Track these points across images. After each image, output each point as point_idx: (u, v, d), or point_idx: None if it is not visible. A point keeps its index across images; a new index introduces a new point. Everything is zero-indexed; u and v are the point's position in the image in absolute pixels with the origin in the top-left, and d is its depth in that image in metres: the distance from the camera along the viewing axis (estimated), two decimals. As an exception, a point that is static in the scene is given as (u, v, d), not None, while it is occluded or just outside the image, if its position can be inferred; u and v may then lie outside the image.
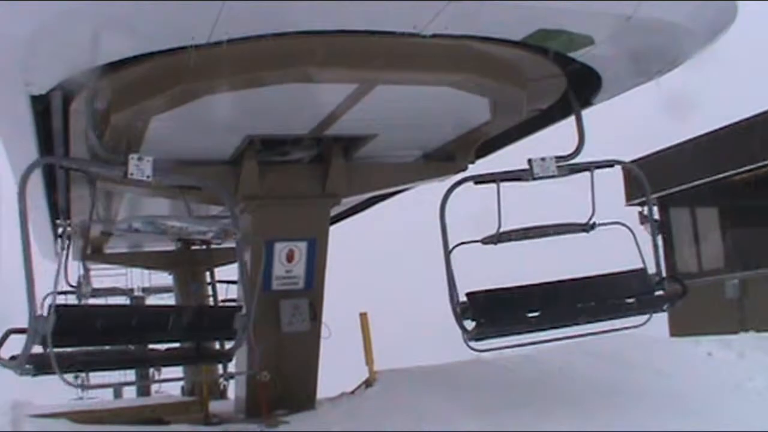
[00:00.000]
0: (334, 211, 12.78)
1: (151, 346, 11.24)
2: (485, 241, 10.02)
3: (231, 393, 17.67)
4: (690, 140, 21.73)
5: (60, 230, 16.36)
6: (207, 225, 11.37)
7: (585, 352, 12.54)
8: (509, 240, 10.08)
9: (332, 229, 12.38)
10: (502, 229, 9.84)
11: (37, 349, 8.47)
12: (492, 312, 9.73)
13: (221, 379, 19.46)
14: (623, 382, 11.43)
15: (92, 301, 19.57)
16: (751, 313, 19.09)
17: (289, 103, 9.07)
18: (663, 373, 11.97)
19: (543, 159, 9.78)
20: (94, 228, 15.26)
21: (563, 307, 9.97)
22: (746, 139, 19.97)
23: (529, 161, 9.78)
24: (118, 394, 26.21)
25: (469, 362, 12.66)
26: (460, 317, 9.54)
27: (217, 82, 8.31)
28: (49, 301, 8.46)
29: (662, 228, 11.05)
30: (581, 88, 9.93)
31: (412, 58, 8.17)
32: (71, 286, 17.56)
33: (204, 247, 18.38)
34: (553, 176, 9.85)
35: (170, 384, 24.32)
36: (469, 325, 9.54)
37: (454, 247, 9.75)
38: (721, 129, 20.73)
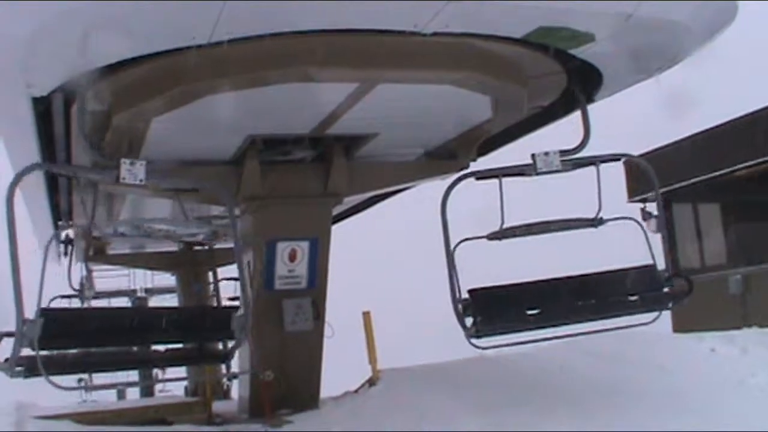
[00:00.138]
0: (336, 210, 12.77)
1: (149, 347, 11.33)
2: (490, 237, 9.94)
3: (234, 393, 17.71)
4: (692, 136, 21.71)
5: (62, 233, 16.46)
6: (197, 227, 11.40)
7: (587, 350, 12.52)
8: (514, 236, 9.95)
9: (334, 227, 12.38)
10: (506, 225, 9.80)
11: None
12: (493, 309, 9.69)
13: (224, 379, 19.48)
14: (625, 380, 11.41)
15: (95, 302, 19.74)
16: (754, 308, 19.05)
17: (290, 102, 9.07)
18: (665, 369, 11.95)
19: (546, 153, 9.71)
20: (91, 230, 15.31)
21: (565, 305, 9.92)
22: (749, 134, 19.94)
23: (533, 156, 9.70)
24: (121, 395, 26.22)
25: (471, 360, 12.65)
26: (461, 314, 9.53)
27: (217, 82, 8.33)
28: (56, 303, 8.57)
29: (665, 224, 10.94)
30: (582, 85, 9.93)
31: (412, 57, 8.17)
32: (74, 289, 17.67)
33: (206, 247, 18.40)
34: (557, 171, 9.77)
35: (174, 384, 24.41)
36: (471, 322, 9.53)
37: (458, 244, 9.72)
38: (723, 124, 20.69)
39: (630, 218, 10.51)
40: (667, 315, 10.55)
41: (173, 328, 9.90)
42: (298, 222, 11.53)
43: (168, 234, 11.68)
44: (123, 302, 24.92)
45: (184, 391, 21.23)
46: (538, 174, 9.78)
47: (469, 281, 9.67)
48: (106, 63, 7.72)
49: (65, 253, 17.69)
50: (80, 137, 8.93)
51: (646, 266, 10.14)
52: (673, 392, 10.71)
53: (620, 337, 11.11)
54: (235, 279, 17.88)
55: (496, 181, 9.77)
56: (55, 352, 9.81)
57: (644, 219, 10.72)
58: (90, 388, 23.05)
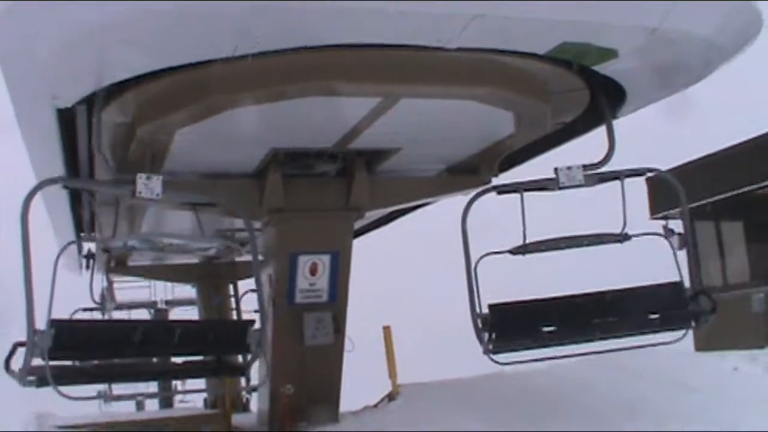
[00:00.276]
0: (358, 225, 12.77)
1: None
2: (513, 251, 9.86)
3: (254, 406, 17.71)
4: (713, 153, 21.61)
5: (85, 247, 16.53)
6: (208, 241, 11.41)
7: (609, 367, 12.44)
8: (537, 251, 9.88)
9: (355, 242, 12.37)
10: (532, 240, 9.72)
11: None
12: (511, 326, 9.62)
13: (244, 392, 19.49)
14: (647, 398, 11.33)
15: (116, 314, 19.79)
16: (778, 327, 18.92)
17: (313, 116, 9.08)
18: (688, 387, 11.85)
19: (569, 168, 9.62)
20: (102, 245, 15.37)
21: (585, 323, 9.82)
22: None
23: (555, 170, 9.64)
24: (140, 407, 26.28)
25: (491, 376, 12.60)
26: (480, 329, 9.47)
27: (241, 95, 8.34)
28: (78, 316, 8.70)
29: (686, 241, 10.81)
30: (607, 99, 9.86)
31: (436, 72, 8.16)
32: (95, 302, 17.75)
33: (227, 260, 18.40)
34: (580, 185, 9.66)
35: (193, 395, 24.43)
36: (488, 337, 9.47)
37: (480, 258, 9.67)
38: (745, 142, 20.60)
39: (657, 233, 10.41)
40: (689, 333, 10.42)
41: (185, 341, 9.96)
42: (319, 235, 11.53)
43: (178, 248, 11.70)
44: (143, 314, 24.89)
45: (203, 403, 21.25)
46: (560, 188, 9.68)
47: (494, 294, 9.61)
48: (130, 76, 7.76)
49: (87, 267, 17.78)
50: (97, 151, 8.96)
51: (671, 283, 10.03)
52: (696, 410, 10.61)
53: (642, 354, 11.03)
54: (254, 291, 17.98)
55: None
56: (72, 362, 9.90)
57: (666, 237, 10.54)
58: (108, 398, 23.23)
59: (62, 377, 9.19)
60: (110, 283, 19.04)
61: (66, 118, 8.63)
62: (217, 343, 10.55)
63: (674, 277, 10.13)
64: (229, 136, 9.37)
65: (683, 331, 10.12)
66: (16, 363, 9.03)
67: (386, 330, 13.18)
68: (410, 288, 44.64)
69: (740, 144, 20.79)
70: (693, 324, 10.13)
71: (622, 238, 9.87)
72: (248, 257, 12.24)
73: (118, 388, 23.70)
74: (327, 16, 6.96)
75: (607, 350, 10.04)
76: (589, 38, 8.08)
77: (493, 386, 12.51)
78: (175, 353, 11.81)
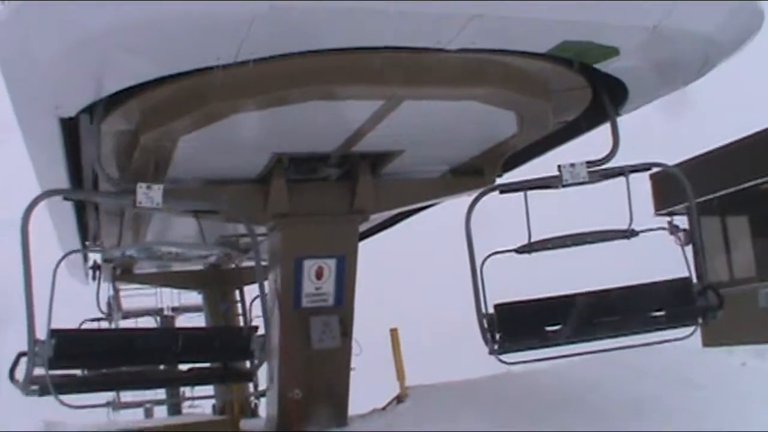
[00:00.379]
0: (363, 227, 12.77)
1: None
2: (519, 250, 9.84)
3: (262, 411, 17.72)
4: (718, 148, 21.60)
5: (91, 258, 16.59)
6: (207, 249, 11.42)
7: (616, 365, 12.42)
8: (544, 249, 9.84)
9: (360, 245, 12.36)
10: (539, 237, 9.70)
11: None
12: (516, 325, 9.61)
13: (252, 398, 19.51)
14: (655, 395, 11.30)
15: (123, 324, 19.85)
16: (786, 322, 18.90)
17: (315, 120, 9.10)
18: (696, 384, 11.82)
19: (573, 165, 9.58)
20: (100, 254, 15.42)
21: (590, 321, 9.79)
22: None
23: (559, 167, 9.60)
24: (148, 414, 26.33)
25: (498, 376, 12.61)
26: (486, 330, 9.46)
27: (243, 101, 8.35)
28: (86, 326, 8.79)
29: (692, 237, 10.76)
30: (609, 95, 9.84)
31: (437, 73, 8.17)
32: (102, 312, 17.82)
33: (233, 266, 18.46)
34: (584, 183, 9.61)
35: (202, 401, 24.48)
36: (496, 337, 9.46)
37: (487, 257, 9.67)
38: (749, 136, 20.59)
39: (664, 228, 10.38)
40: (697, 329, 10.40)
41: (188, 349, 10.00)
42: (324, 239, 11.53)
43: (178, 257, 11.72)
44: (150, 322, 24.93)
45: (212, 409, 21.28)
46: (564, 186, 9.64)
47: (501, 293, 9.60)
48: (133, 83, 7.78)
49: (93, 278, 17.85)
50: (96, 163, 8.97)
51: (679, 279, 10.01)
52: (704, 407, 10.59)
53: (649, 351, 11.02)
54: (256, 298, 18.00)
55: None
56: (81, 371, 9.95)
57: (671, 233, 10.50)
58: (116, 406, 23.27)
59: (66, 386, 9.26)
60: (116, 291, 19.10)
61: (69, 127, 8.64)
62: (220, 350, 10.58)
63: (679, 274, 10.12)
64: (233, 142, 9.38)
65: (692, 328, 10.09)
66: (21, 372, 9.10)
67: (393, 332, 13.20)
68: (416, 289, 44.68)
69: (744, 138, 20.79)
70: (700, 320, 10.11)
71: (629, 234, 9.79)
72: (254, 263, 12.26)
73: (127, 396, 23.76)
74: (327, 18, 6.97)
75: (614, 348, 10.02)
76: (590, 37, 8.07)
77: (501, 387, 12.51)
78: (177, 361, 11.84)
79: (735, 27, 8.38)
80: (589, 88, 9.63)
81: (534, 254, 9.91)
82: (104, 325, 18.52)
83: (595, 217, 10.35)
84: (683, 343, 10.37)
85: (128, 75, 7.66)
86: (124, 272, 18.96)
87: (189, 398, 25.30)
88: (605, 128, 10.04)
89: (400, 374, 12.95)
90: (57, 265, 9.98)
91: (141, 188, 8.76)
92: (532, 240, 9.75)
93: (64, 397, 9.27)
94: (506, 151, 11.24)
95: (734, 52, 8.92)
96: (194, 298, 23.65)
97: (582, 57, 8.61)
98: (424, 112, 9.17)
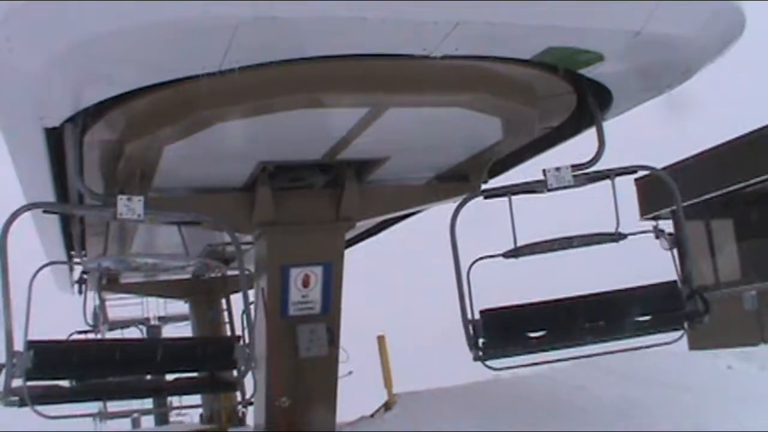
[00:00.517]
0: (349, 235, 12.77)
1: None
2: (506, 255, 9.82)
3: (250, 420, 17.68)
4: (703, 151, 21.69)
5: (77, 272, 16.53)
6: (185, 260, 11.41)
7: (603, 370, 12.47)
8: (532, 253, 9.82)
9: (346, 252, 12.36)
10: (529, 241, 9.69)
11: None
12: (504, 331, 9.61)
13: (240, 406, 19.46)
14: (642, 399, 11.35)
15: (110, 335, 19.79)
16: (772, 324, 19.00)
17: (300, 128, 9.09)
18: (683, 387, 11.87)
19: (558, 169, 9.57)
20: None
21: (575, 327, 9.79)
22: (761, 149, 19.92)
23: (544, 171, 9.61)
24: (135, 424, 26.23)
25: (486, 382, 12.63)
26: (471, 336, 9.45)
27: (228, 109, 8.34)
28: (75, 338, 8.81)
29: (678, 241, 10.75)
30: (595, 98, 9.85)
31: (422, 80, 8.18)
32: (89, 324, 17.77)
33: (219, 275, 18.42)
34: (569, 186, 9.60)
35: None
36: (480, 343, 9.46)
37: (474, 262, 9.67)
38: (735, 139, 20.69)
39: (651, 231, 10.39)
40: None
41: (170, 359, 9.99)
42: (311, 247, 11.51)
43: (154, 267, 11.69)
44: (136, 332, 24.84)
45: (199, 418, 21.22)
46: (549, 190, 9.64)
47: (491, 295, 9.60)
48: (117, 93, 7.75)
49: (80, 292, 17.81)
50: (77, 175, 8.93)
51: (666, 283, 10.01)
52: (691, 410, 10.64)
53: (636, 355, 11.07)
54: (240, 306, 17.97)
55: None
56: (70, 382, 9.93)
57: (657, 237, 10.52)
58: (104, 416, 23.17)
59: (50, 396, 9.24)
60: (102, 301, 19.03)
61: (54, 137, 8.61)
62: (203, 360, 10.56)
63: (664, 278, 10.15)
64: (218, 151, 9.37)
65: (680, 332, 10.10)
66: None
67: (381, 339, 13.18)
68: (404, 295, 44.64)
69: (728, 142, 20.89)
70: (686, 326, 10.11)
71: (617, 237, 9.78)
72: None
73: (113, 406, 23.66)
74: (310, 26, 6.96)
75: (601, 353, 10.05)
76: (574, 42, 8.09)
77: (489, 392, 12.54)
78: (158, 371, 11.82)
79: (717, 30, 8.42)
80: (574, 94, 9.66)
81: (534, 259, 9.92)
82: (93, 336, 18.46)
83: (581, 223, 10.32)
84: (669, 347, 10.40)
85: (113, 84, 7.63)
86: (110, 281, 18.88)
87: (176, 407, 25.22)
88: (592, 133, 10.04)
89: (388, 381, 12.94)
90: (33, 278, 9.96)
91: (122, 200, 8.73)
92: (521, 244, 9.75)
93: (50, 408, 9.26)
94: (492, 157, 11.26)
95: (717, 57, 8.96)
96: (181, 307, 23.58)
97: (566, 63, 8.63)
98: (409, 118, 9.17)
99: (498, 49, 8.09)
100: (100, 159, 9.66)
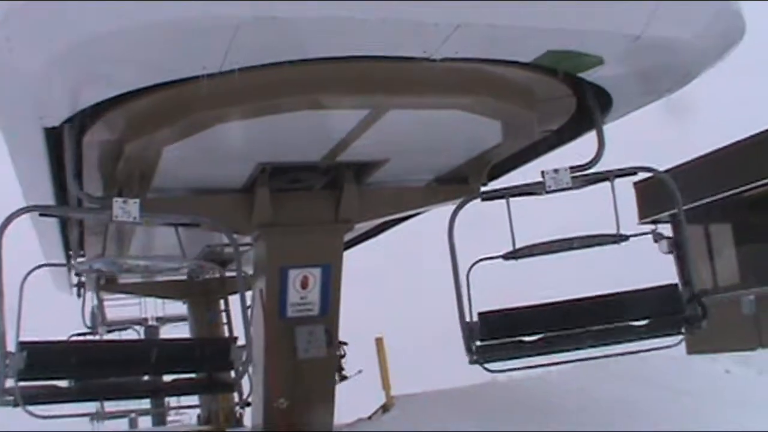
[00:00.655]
0: (348, 236, 12.77)
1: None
2: (506, 256, 9.77)
3: (247, 420, 17.68)
4: (703, 156, 21.70)
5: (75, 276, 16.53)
6: (177, 262, 11.43)
7: (601, 373, 12.47)
8: (532, 255, 9.76)
9: (345, 253, 12.36)
10: (529, 243, 9.67)
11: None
12: (500, 333, 9.57)
13: (237, 407, 19.44)
14: (640, 402, 11.35)
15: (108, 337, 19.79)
16: (769, 329, 19.00)
17: (300, 130, 9.08)
18: (680, 391, 11.88)
19: (556, 170, 9.52)
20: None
21: (579, 331, 9.75)
22: (760, 153, 19.92)
23: (542, 173, 9.56)
24: (133, 424, 26.22)
25: (484, 385, 12.62)
26: (468, 338, 9.43)
27: (228, 111, 8.34)
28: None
29: (677, 245, 10.70)
30: (595, 100, 9.82)
31: (422, 83, 8.17)
32: (87, 326, 17.79)
33: (217, 275, 18.41)
34: (568, 188, 9.55)
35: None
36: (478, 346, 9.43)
37: (474, 264, 9.66)
38: (734, 144, 20.70)
39: (652, 233, 10.34)
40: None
41: (165, 360, 10.00)
42: (309, 249, 11.52)
43: (146, 269, 11.70)
44: (134, 333, 24.82)
45: (197, 419, 21.21)
46: (547, 192, 9.58)
47: (494, 295, 9.57)
48: (117, 93, 7.75)
49: (78, 294, 17.81)
50: (71, 178, 8.92)
51: (667, 286, 9.96)
52: (689, 414, 10.65)
53: (634, 359, 11.08)
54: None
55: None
56: (69, 382, 9.94)
57: (656, 241, 10.47)
58: (101, 417, 23.15)
59: (45, 397, 9.25)
60: (101, 301, 19.02)
61: (54, 137, 8.61)
62: (199, 361, 10.55)
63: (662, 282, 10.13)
64: (217, 151, 9.36)
65: (679, 337, 10.06)
66: None
67: (379, 341, 13.18)
68: (403, 296, 44.64)
69: (727, 146, 20.89)
70: (684, 330, 10.06)
71: (618, 238, 9.67)
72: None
73: (111, 405, 23.65)
74: (310, 27, 6.95)
75: (599, 356, 10.03)
76: (574, 46, 8.09)
77: (487, 394, 12.53)
78: (155, 372, 11.82)
79: (717, 34, 8.42)
80: (573, 97, 9.66)
81: (533, 263, 9.89)
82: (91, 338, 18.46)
83: (597, 224, 10.24)
84: (668, 351, 10.40)
85: (113, 84, 7.63)
86: (108, 282, 18.88)
87: (174, 407, 25.21)
88: (593, 136, 10.01)
89: (386, 383, 12.94)
90: (24, 279, 9.96)
91: (117, 202, 8.73)
92: (522, 246, 9.72)
93: (47, 408, 9.26)
94: (491, 159, 11.26)
95: (717, 61, 8.96)
96: (179, 307, 23.56)
97: (566, 66, 8.63)
98: (409, 121, 9.17)
99: (498, 52, 8.09)
100: (99, 159, 9.66)
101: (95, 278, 17.32)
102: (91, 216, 9.88)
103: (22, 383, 8.71)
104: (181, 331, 23.64)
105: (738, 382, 12.57)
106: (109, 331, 21.14)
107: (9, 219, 8.67)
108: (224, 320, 19.77)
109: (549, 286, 11.20)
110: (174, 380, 11.36)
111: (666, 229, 12.63)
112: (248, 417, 16.67)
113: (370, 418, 12.95)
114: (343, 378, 13.89)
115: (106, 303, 20.53)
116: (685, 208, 10.23)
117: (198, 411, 21.43)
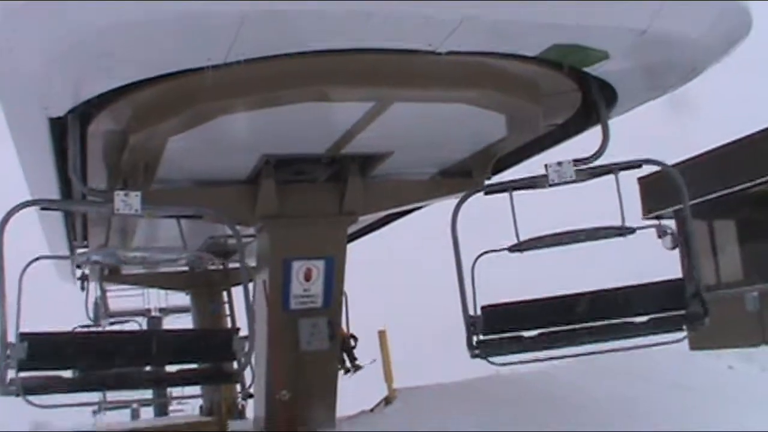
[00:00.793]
0: (351, 229, 12.78)
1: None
2: (512, 249, 9.70)
3: (249, 412, 17.71)
4: (706, 152, 21.66)
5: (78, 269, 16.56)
6: (176, 253, 11.46)
7: (604, 368, 12.46)
8: (538, 247, 9.69)
9: (349, 246, 12.36)
10: (534, 235, 9.64)
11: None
12: (506, 327, 9.56)
13: (240, 399, 19.46)
14: (643, 398, 11.35)
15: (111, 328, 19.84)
16: (773, 325, 18.99)
17: (305, 122, 9.08)
18: (683, 387, 11.88)
19: (560, 163, 9.44)
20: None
21: (583, 325, 9.73)
22: (765, 150, 19.90)
23: (546, 166, 9.50)
24: (135, 415, 26.27)
25: (486, 378, 12.62)
26: (472, 333, 9.42)
27: (232, 102, 8.32)
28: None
29: (684, 238, 10.64)
30: (600, 92, 9.78)
31: (427, 76, 8.16)
32: (91, 319, 17.82)
33: (221, 267, 18.42)
34: (571, 182, 9.46)
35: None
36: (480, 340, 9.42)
37: (479, 257, 9.64)
38: (738, 140, 20.66)
39: (657, 227, 10.28)
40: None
41: (167, 351, 10.02)
42: (313, 241, 11.52)
43: (144, 260, 11.70)
44: (137, 327, 24.86)
45: (199, 410, 21.24)
46: (551, 186, 9.49)
47: (499, 289, 9.55)
48: (121, 84, 7.75)
49: (82, 288, 17.85)
50: (72, 172, 8.91)
51: (672, 281, 9.92)
52: (692, 410, 10.64)
53: (637, 354, 11.02)
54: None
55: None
56: (73, 372, 9.96)
57: (659, 236, 10.42)
58: (102, 407, 23.19)
59: (48, 387, 9.27)
60: (104, 292, 19.03)
61: (59, 127, 8.60)
62: (201, 352, 10.56)
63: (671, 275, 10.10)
64: (222, 143, 9.36)
65: (683, 333, 10.02)
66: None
67: (381, 334, 13.19)
68: (406, 289, 44.69)
69: (731, 142, 20.86)
70: (685, 327, 10.01)
71: (625, 231, 9.52)
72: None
73: (113, 396, 23.69)
74: (316, 19, 6.94)
75: (603, 351, 10.01)
76: (580, 40, 8.07)
77: (489, 388, 12.53)
78: (157, 363, 11.84)
79: (723, 30, 8.40)
80: (578, 92, 9.64)
81: (538, 257, 9.85)
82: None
83: (600, 219, 10.20)
84: (671, 347, 10.38)
85: (117, 76, 7.62)
86: (111, 273, 18.89)
87: (176, 398, 25.24)
88: (597, 131, 9.97)
89: (388, 376, 12.95)
90: (23, 271, 9.96)
91: (119, 195, 8.73)
92: (527, 238, 9.68)
93: (50, 398, 9.29)
94: (496, 153, 11.26)
95: (723, 57, 8.94)
96: (182, 298, 23.58)
97: (571, 60, 8.62)
98: (413, 114, 9.16)
99: (503, 46, 8.08)
100: (104, 150, 9.66)
101: (98, 269, 17.33)
102: (92, 210, 9.88)
103: (23, 374, 8.74)
104: (183, 322, 23.70)
105: (741, 379, 12.56)
106: (112, 323, 21.17)
107: (9, 214, 8.68)
108: (227, 312, 19.77)
109: (552, 282, 11.16)
110: (176, 371, 11.38)
111: (670, 226, 12.64)
112: (250, 408, 16.71)
113: (372, 410, 12.97)
114: (357, 368, 13.93)
115: (109, 294, 20.54)
116: (691, 203, 10.14)
117: (200, 401, 21.46)
